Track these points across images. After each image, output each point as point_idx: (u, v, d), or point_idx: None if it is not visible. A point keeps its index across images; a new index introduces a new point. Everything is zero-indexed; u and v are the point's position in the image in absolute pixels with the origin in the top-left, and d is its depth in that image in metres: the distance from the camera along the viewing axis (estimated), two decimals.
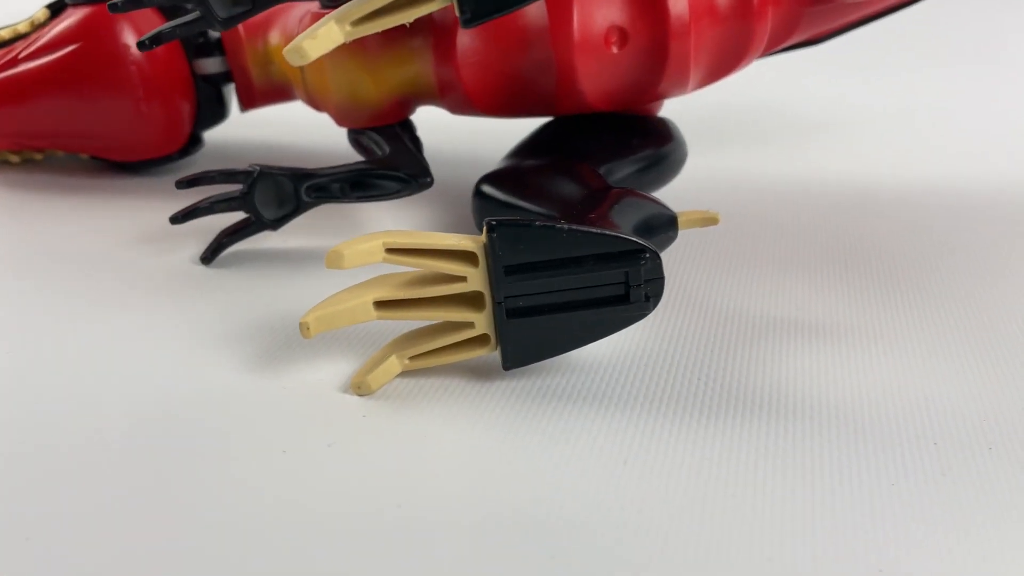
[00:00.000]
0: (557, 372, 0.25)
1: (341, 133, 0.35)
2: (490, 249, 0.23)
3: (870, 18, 0.37)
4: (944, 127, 0.49)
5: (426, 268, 0.23)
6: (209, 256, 0.31)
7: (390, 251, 0.23)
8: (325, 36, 0.21)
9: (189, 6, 0.29)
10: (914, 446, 0.23)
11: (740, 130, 0.48)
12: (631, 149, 0.34)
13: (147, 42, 0.28)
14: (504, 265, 0.23)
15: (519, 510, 0.20)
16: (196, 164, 0.41)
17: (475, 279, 0.23)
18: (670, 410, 0.24)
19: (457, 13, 0.21)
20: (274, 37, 0.36)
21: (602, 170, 0.32)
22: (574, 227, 0.23)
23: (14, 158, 0.39)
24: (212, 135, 0.42)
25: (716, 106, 0.47)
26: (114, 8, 0.28)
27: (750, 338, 0.27)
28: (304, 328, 0.23)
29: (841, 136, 0.48)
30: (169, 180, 0.39)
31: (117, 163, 0.39)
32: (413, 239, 0.23)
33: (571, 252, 0.23)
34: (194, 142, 0.39)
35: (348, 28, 0.21)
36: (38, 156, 0.39)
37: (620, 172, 0.33)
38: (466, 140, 0.42)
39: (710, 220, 0.28)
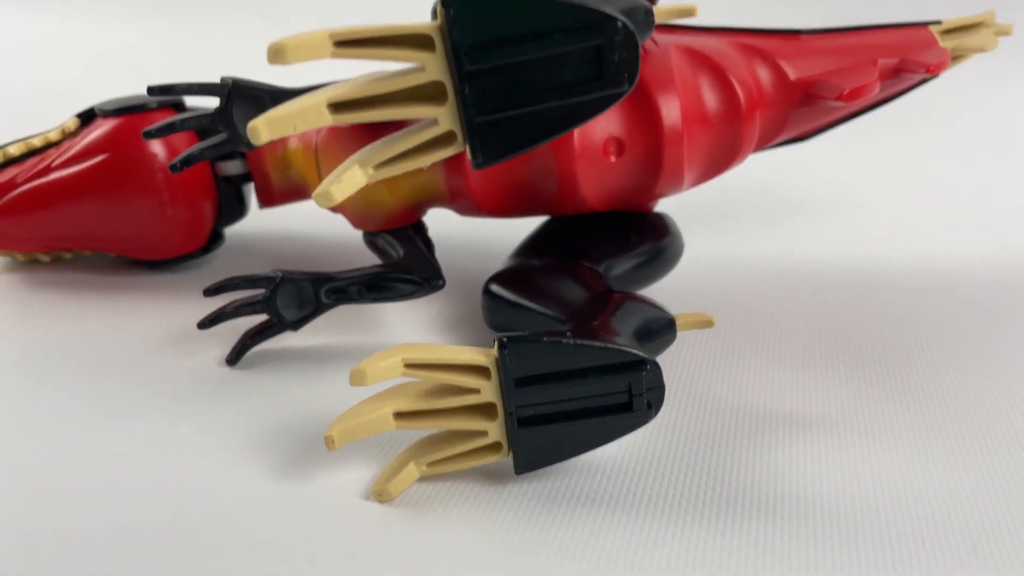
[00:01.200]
0: (566, 475, 0.27)
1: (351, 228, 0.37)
2: (501, 363, 0.24)
3: (855, 114, 0.39)
4: (927, 204, 0.51)
5: (442, 382, 0.25)
6: (234, 358, 0.33)
7: (409, 366, 0.25)
8: (350, 180, 0.23)
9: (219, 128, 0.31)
10: (904, 543, 0.24)
11: (725, 211, 0.50)
12: (630, 245, 0.36)
13: (179, 164, 0.30)
14: (515, 378, 0.25)
15: None
16: (217, 258, 0.43)
17: (488, 391, 0.25)
18: (674, 511, 0.25)
19: (469, 157, 0.23)
20: (292, 142, 0.38)
21: (602, 267, 0.34)
22: (579, 341, 0.25)
23: (44, 257, 0.41)
24: (231, 228, 0.44)
25: (702, 187, 0.49)
26: (148, 135, 0.30)
27: (746, 432, 0.29)
28: (329, 441, 0.25)
29: (824, 215, 0.50)
30: (191, 276, 0.41)
31: (142, 260, 0.41)
32: (430, 355, 0.25)
33: (577, 364, 0.25)
34: (215, 239, 0.42)
35: (371, 171, 0.23)
36: (67, 255, 0.41)
37: (620, 268, 0.35)
38: (472, 231, 0.44)
39: (706, 323, 0.30)
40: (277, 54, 0.21)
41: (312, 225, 0.45)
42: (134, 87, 0.68)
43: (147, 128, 0.30)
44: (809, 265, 0.43)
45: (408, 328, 0.36)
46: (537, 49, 0.22)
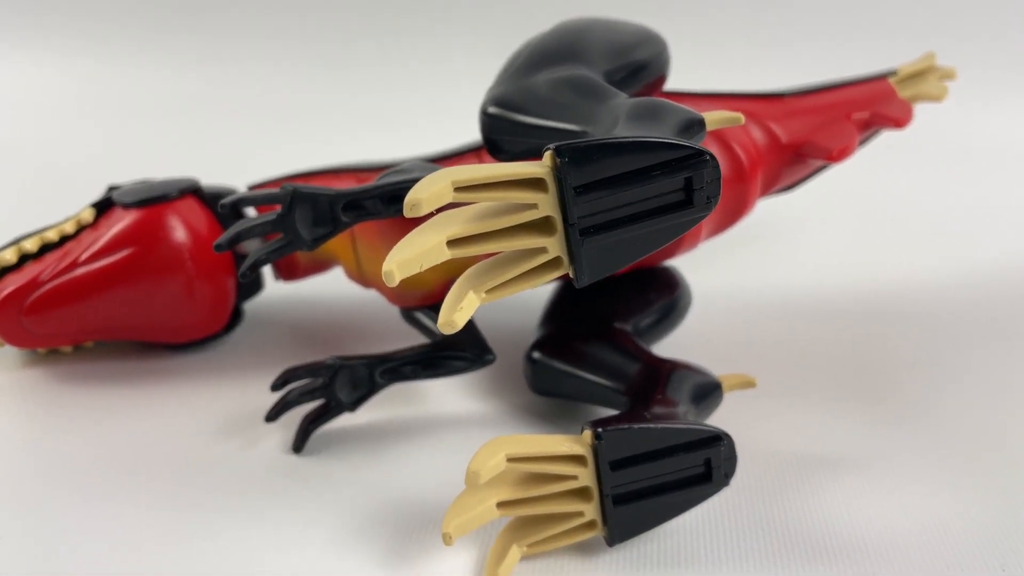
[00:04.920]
0: (649, 540, 0.29)
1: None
2: (598, 450, 0.27)
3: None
4: (900, 226, 0.56)
5: (543, 471, 0.27)
6: (300, 444, 0.34)
7: (511, 460, 0.27)
8: (469, 307, 0.25)
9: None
10: (946, 573, 0.28)
11: (711, 245, 0.53)
12: (649, 303, 0.39)
13: (248, 272, 0.31)
14: (609, 462, 0.27)
15: None
16: (233, 335, 0.43)
17: (584, 476, 0.27)
18: (749, 566, 0.28)
19: (573, 278, 0.25)
20: None
21: (629, 325, 0.37)
22: (663, 424, 0.28)
23: (66, 348, 0.41)
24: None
25: None
26: (219, 249, 0.31)
27: (782, 477, 0.32)
28: (447, 538, 0.27)
29: (806, 245, 0.54)
30: (214, 356, 0.41)
31: (164, 345, 0.41)
32: (530, 448, 0.27)
33: (663, 444, 0.28)
34: (236, 317, 0.42)
35: (484, 295, 0.25)
36: (89, 344, 0.41)
37: (643, 324, 0.38)
38: None
39: (748, 384, 0.33)
40: (414, 208, 0.23)
41: (325, 293, 0.46)
42: (114, 133, 0.67)
43: (217, 241, 0.31)
44: (796, 296, 0.47)
45: (448, 395, 0.38)
46: (635, 184, 0.24)
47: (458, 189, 0.23)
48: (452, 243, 0.24)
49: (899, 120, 0.40)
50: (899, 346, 0.42)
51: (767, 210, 0.53)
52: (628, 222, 0.25)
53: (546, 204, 0.24)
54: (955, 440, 0.34)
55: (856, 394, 0.38)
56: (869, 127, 0.41)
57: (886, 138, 0.45)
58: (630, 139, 0.24)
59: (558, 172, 0.24)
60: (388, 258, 0.23)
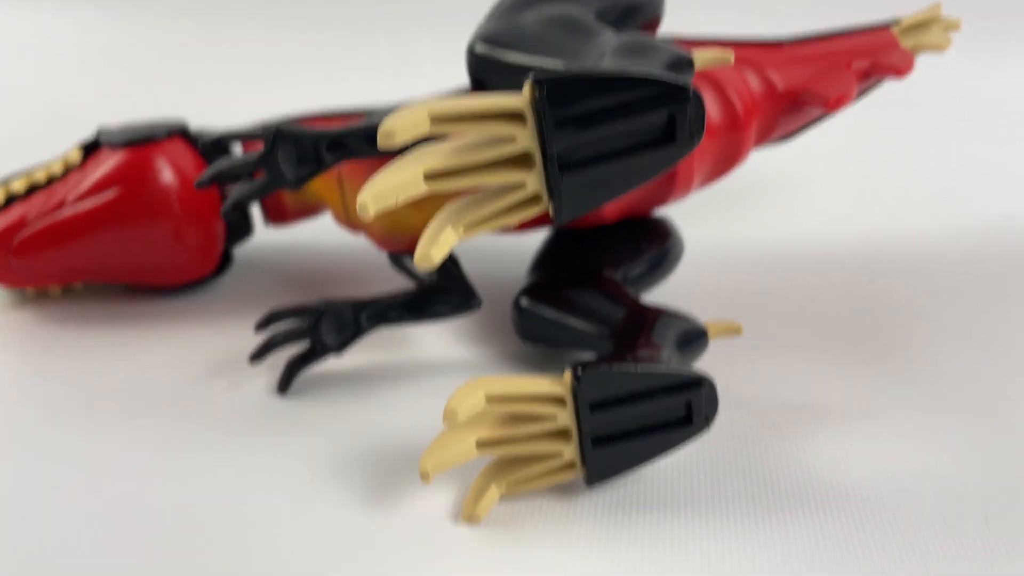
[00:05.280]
0: (630, 484, 0.29)
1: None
2: (577, 391, 0.27)
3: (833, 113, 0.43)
4: (904, 183, 0.55)
5: (522, 412, 0.27)
6: (285, 386, 0.34)
7: (491, 400, 0.27)
8: (445, 242, 0.24)
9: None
10: (929, 522, 0.27)
11: (697, 200, 0.53)
12: (640, 252, 0.38)
13: (229, 209, 0.31)
14: (589, 403, 0.27)
15: None
16: (223, 280, 0.43)
17: (564, 417, 0.27)
18: (731, 510, 0.28)
19: (552, 215, 0.25)
20: None
21: (618, 274, 0.37)
22: (645, 367, 0.27)
23: (55, 290, 0.41)
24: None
25: None
26: (200, 185, 0.31)
27: (770, 426, 0.32)
28: (424, 476, 0.27)
29: (799, 198, 0.53)
30: (202, 301, 0.41)
31: (152, 288, 0.41)
32: (509, 388, 0.27)
33: (644, 386, 0.27)
34: (226, 261, 0.42)
35: (461, 231, 0.25)
36: (78, 286, 0.41)
37: (633, 273, 0.38)
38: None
39: (734, 330, 0.33)
40: (387, 137, 0.23)
41: (315, 239, 0.46)
42: (102, 84, 0.66)
43: (199, 179, 0.31)
44: (791, 249, 0.47)
45: (437, 342, 0.38)
46: (616, 118, 0.24)
47: (434, 120, 0.23)
48: (429, 177, 0.24)
49: (900, 69, 0.39)
50: (892, 301, 0.42)
51: (764, 161, 0.53)
52: (609, 157, 0.24)
53: (525, 137, 0.24)
54: (944, 394, 0.34)
55: (846, 347, 0.38)
56: (869, 76, 0.40)
57: (886, 93, 0.44)
58: (612, 72, 0.24)
59: (537, 104, 0.23)
60: (363, 190, 0.23)
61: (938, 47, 0.41)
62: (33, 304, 0.41)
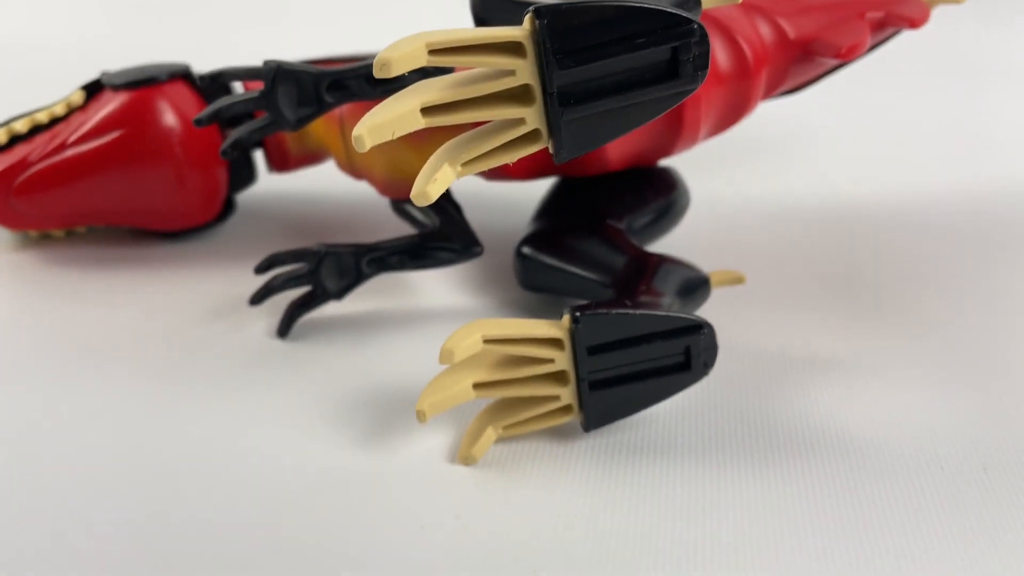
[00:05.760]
0: (625, 429, 0.29)
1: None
2: (575, 335, 0.27)
3: (845, 64, 0.42)
4: (909, 139, 0.55)
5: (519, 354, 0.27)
6: (285, 330, 0.34)
7: (488, 342, 0.26)
8: (443, 179, 0.24)
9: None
10: (927, 471, 0.27)
11: (706, 154, 0.52)
12: (645, 202, 0.38)
13: (228, 149, 0.31)
14: (587, 347, 0.27)
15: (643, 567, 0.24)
16: (227, 225, 0.43)
17: (561, 360, 0.27)
18: (725, 456, 0.28)
19: (552, 152, 0.25)
20: None
21: (623, 223, 0.37)
22: (643, 311, 0.27)
23: (59, 233, 0.41)
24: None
25: None
26: (199, 123, 0.30)
27: (770, 376, 0.32)
28: (420, 415, 0.27)
29: (805, 152, 0.53)
30: (206, 246, 0.41)
31: (156, 232, 0.41)
32: (507, 330, 0.27)
33: (642, 331, 0.27)
34: (229, 207, 0.42)
35: (459, 169, 0.24)
36: (81, 229, 0.41)
37: (638, 223, 0.37)
38: (485, 187, 0.46)
39: (737, 280, 0.33)
40: (384, 68, 0.22)
41: (318, 187, 0.46)
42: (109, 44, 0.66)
43: (198, 117, 0.31)
44: (798, 205, 0.46)
45: (438, 289, 0.38)
46: (618, 52, 0.23)
47: (432, 51, 0.23)
48: (427, 112, 0.23)
49: (915, 20, 0.38)
50: (896, 256, 0.41)
51: (772, 113, 0.52)
52: (611, 93, 0.24)
53: (525, 71, 0.23)
54: (946, 348, 0.34)
55: (849, 300, 0.37)
56: (883, 27, 0.39)
57: (897, 49, 0.44)
58: (615, 3, 0.23)
59: (538, 36, 0.23)
60: (360, 123, 0.23)
61: (955, 0, 0.41)
62: (36, 246, 0.41)
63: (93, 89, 0.39)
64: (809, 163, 0.52)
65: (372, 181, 0.37)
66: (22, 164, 0.37)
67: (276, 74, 0.30)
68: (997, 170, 0.51)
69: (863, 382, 0.32)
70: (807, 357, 0.33)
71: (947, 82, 0.62)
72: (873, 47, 0.42)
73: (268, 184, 0.45)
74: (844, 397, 0.31)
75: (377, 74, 0.22)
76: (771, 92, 0.40)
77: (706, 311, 0.34)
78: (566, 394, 0.28)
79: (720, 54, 0.36)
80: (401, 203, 0.37)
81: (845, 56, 0.37)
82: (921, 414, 0.30)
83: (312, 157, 0.41)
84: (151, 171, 0.38)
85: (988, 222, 0.45)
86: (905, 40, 0.43)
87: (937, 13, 0.41)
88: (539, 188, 0.40)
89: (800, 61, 0.38)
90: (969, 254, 0.41)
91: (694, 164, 0.43)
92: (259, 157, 0.43)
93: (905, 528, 0.25)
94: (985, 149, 0.54)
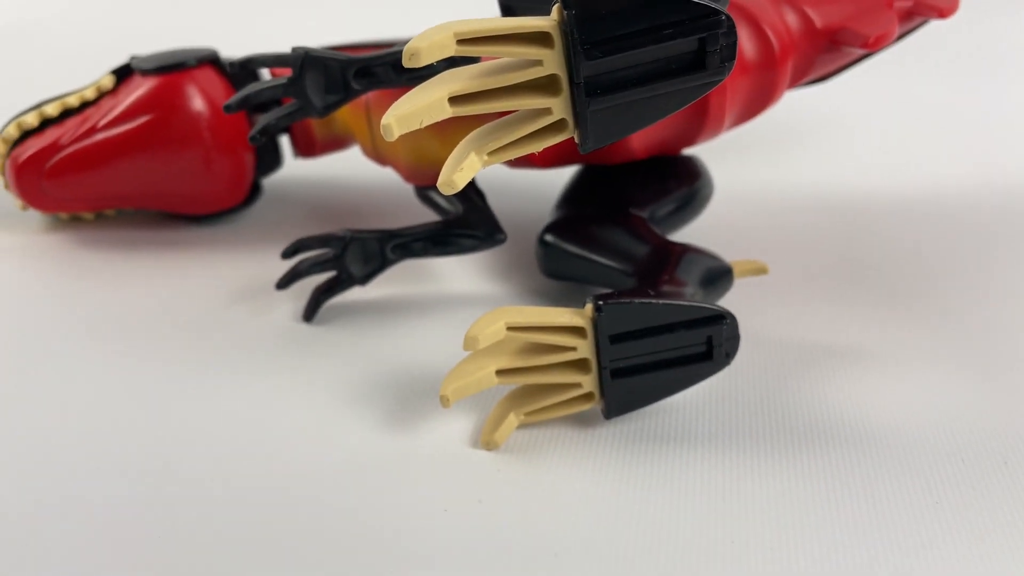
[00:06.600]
0: (646, 417, 0.29)
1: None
2: (598, 323, 0.27)
3: (871, 54, 0.41)
4: (924, 130, 0.54)
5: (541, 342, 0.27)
6: (310, 314, 0.35)
7: (511, 329, 0.27)
8: (470, 168, 0.24)
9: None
10: (949, 463, 0.27)
11: (728, 142, 0.52)
12: (668, 191, 0.38)
13: (257, 135, 0.31)
14: (609, 335, 0.27)
15: (663, 554, 0.24)
16: (254, 209, 0.44)
17: (584, 348, 0.27)
18: (744, 445, 0.28)
19: (578, 142, 0.25)
20: None
21: (646, 212, 0.37)
22: (666, 301, 0.27)
23: (88, 215, 0.41)
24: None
25: None
26: (228, 110, 0.31)
27: (789, 366, 0.32)
28: (444, 400, 0.27)
29: (825, 143, 0.52)
30: (233, 229, 0.42)
31: (184, 216, 0.42)
32: (530, 318, 0.27)
33: (664, 320, 0.27)
34: (255, 191, 0.42)
35: (486, 158, 0.25)
36: (111, 212, 0.42)
37: (661, 212, 0.37)
38: (508, 175, 0.46)
39: (760, 270, 0.33)
40: (413, 58, 0.22)
41: (343, 173, 0.46)
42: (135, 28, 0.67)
43: (227, 102, 0.31)
44: (823, 195, 0.46)
45: (463, 277, 0.38)
46: (646, 43, 0.23)
47: (460, 41, 0.23)
48: (455, 101, 0.24)
49: (943, 10, 0.38)
50: (920, 247, 0.41)
51: (798, 103, 0.52)
52: (637, 84, 0.24)
53: (552, 61, 0.23)
54: (967, 338, 0.34)
55: (872, 290, 0.37)
56: (912, 17, 0.39)
57: (927, 39, 0.43)
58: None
59: (565, 26, 0.23)
60: (388, 112, 0.23)
61: None
62: (66, 228, 0.41)
63: (123, 73, 0.40)
64: (836, 153, 0.51)
65: (397, 168, 0.38)
66: (53, 147, 0.38)
67: (304, 61, 0.30)
68: (1006, 160, 0.50)
69: (884, 374, 0.32)
70: (828, 348, 0.33)
71: (974, 71, 0.61)
72: (900, 36, 0.41)
73: (294, 169, 0.46)
74: (863, 388, 0.31)
75: (406, 63, 0.22)
76: (797, 81, 0.39)
77: (728, 301, 0.34)
78: (588, 382, 0.28)
79: (746, 43, 0.35)
80: (425, 190, 0.37)
81: (872, 46, 0.36)
82: (941, 405, 0.30)
83: (338, 143, 0.41)
84: (179, 155, 0.38)
85: (1012, 213, 0.44)
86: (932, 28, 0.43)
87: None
88: (562, 176, 0.40)
89: (827, 50, 0.38)
90: (993, 245, 0.41)
91: (719, 153, 0.43)
92: (285, 142, 0.43)
93: (924, 520, 0.25)
94: (1010, 139, 0.53)
